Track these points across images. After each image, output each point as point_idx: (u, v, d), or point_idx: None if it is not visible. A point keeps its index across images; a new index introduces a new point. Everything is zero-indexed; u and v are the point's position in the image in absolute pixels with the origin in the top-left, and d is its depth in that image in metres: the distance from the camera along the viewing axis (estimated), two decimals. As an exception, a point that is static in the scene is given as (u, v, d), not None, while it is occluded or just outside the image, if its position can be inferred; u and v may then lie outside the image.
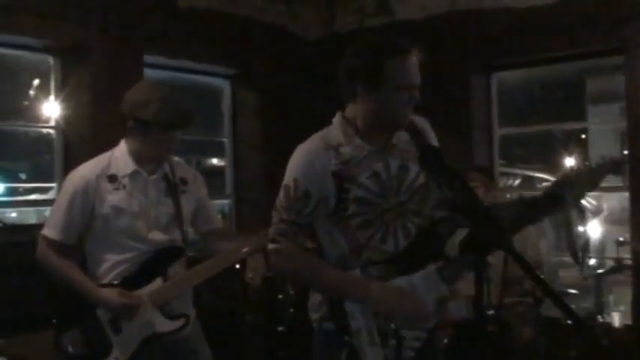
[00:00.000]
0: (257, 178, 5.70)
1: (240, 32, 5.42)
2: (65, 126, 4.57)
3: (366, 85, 2.20)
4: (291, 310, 4.58)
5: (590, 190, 2.31)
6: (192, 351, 2.97)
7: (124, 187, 2.83)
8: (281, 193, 2.25)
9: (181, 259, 2.92)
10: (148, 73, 4.87)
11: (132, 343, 2.79)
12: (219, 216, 3.16)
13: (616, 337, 4.36)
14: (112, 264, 2.83)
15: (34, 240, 4.02)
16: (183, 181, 2.97)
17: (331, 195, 2.20)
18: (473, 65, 5.39)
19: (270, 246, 2.25)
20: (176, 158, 3.05)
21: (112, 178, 2.83)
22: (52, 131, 4.61)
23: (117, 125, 4.50)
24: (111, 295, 2.77)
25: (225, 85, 5.83)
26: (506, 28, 5.03)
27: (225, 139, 5.84)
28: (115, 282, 2.83)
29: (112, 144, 4.29)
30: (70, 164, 4.55)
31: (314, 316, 2.32)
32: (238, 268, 4.16)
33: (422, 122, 2.34)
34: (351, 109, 2.29)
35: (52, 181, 4.70)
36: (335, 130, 2.30)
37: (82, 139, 4.51)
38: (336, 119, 2.33)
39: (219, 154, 5.99)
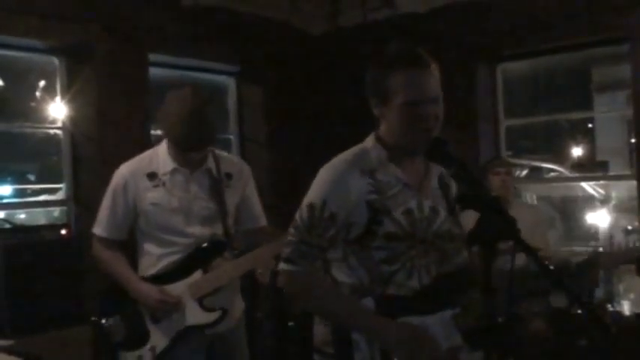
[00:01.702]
0: (263, 174, 5.71)
1: (244, 29, 5.43)
2: (72, 126, 4.59)
3: (376, 101, 2.09)
4: (301, 305, 4.59)
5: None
6: (233, 347, 3.04)
7: (164, 184, 2.91)
8: (304, 211, 2.07)
9: (225, 253, 2.95)
10: (153, 71, 4.88)
11: (169, 334, 2.87)
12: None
13: (626, 326, 4.36)
14: (156, 257, 2.93)
15: (43, 241, 4.06)
16: (228, 176, 3.02)
17: (360, 223, 2.04)
18: (478, 57, 5.38)
19: (285, 266, 2.08)
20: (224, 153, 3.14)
21: (152, 176, 2.92)
22: (59, 132, 4.63)
23: (123, 124, 4.54)
24: (150, 291, 2.85)
25: (230, 83, 5.84)
26: (511, 18, 5.02)
27: (231, 136, 5.84)
28: (148, 274, 2.92)
29: (118, 143, 4.32)
30: (77, 164, 4.58)
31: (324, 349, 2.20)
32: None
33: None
34: (381, 129, 2.13)
35: (60, 182, 4.72)
36: (369, 151, 2.12)
37: (89, 139, 4.52)
38: (370, 139, 2.16)
39: (225, 152, 5.99)
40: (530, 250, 1.69)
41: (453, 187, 2.24)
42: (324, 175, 2.09)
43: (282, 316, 4.72)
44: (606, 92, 8.18)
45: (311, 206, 2.05)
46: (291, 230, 2.09)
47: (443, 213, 2.14)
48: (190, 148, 2.87)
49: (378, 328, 2.01)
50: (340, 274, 2.14)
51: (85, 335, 3.76)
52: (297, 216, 2.09)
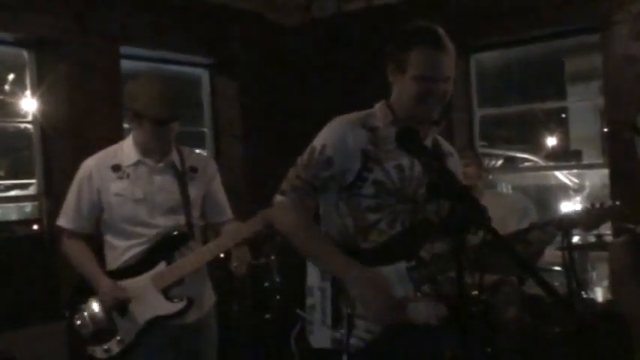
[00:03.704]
0: (238, 167, 5.69)
1: (218, 20, 5.39)
2: (43, 120, 4.53)
3: (394, 69, 2.25)
4: (278, 297, 4.59)
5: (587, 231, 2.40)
6: (201, 338, 3.04)
7: (128, 175, 2.94)
8: (305, 153, 2.26)
9: (189, 243, 2.98)
10: (125, 65, 4.83)
11: (135, 326, 2.89)
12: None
13: (599, 312, 4.41)
14: (121, 250, 2.95)
15: (14, 236, 4.02)
16: (193, 169, 3.06)
17: (353, 170, 2.21)
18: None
19: (278, 197, 2.26)
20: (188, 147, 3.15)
21: (116, 168, 2.95)
22: (29, 126, 4.57)
23: (95, 118, 4.50)
24: (105, 287, 2.88)
25: (203, 75, 5.81)
26: (484, 9, 5.04)
27: (205, 129, 5.82)
28: (112, 268, 2.94)
29: (90, 137, 4.27)
30: (49, 159, 4.53)
31: None
32: (223, 258, 4.16)
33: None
34: (393, 95, 2.31)
35: (31, 177, 4.66)
36: (375, 114, 2.31)
37: (60, 133, 4.47)
38: (379, 104, 2.34)
39: (199, 145, 5.97)
40: (500, 239, 1.70)
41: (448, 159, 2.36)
42: (330, 125, 2.28)
43: (259, 307, 4.71)
44: (579, 82, 8.24)
45: (312, 148, 2.25)
46: (291, 169, 2.28)
47: None
48: (167, 118, 2.88)
49: (342, 266, 2.15)
50: (329, 223, 2.30)
51: (60, 331, 3.73)
52: (299, 157, 2.27)
